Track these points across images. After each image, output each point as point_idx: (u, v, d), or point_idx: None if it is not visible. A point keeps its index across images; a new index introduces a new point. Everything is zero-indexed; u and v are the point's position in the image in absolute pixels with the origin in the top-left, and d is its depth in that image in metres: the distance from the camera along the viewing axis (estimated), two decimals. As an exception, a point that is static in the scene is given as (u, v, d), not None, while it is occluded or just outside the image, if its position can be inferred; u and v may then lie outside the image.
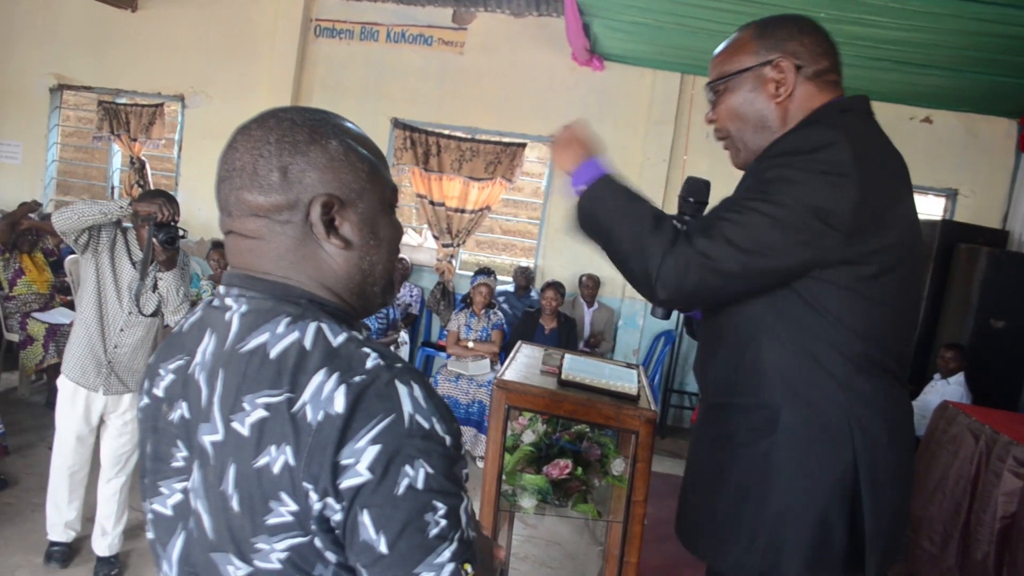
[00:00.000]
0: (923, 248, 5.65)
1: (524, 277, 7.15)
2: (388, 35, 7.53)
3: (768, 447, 1.48)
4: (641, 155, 7.11)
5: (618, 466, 2.51)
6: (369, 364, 0.87)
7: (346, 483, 0.82)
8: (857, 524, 1.47)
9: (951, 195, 7.01)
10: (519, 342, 3.08)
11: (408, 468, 0.83)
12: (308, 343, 0.88)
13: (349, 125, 1.00)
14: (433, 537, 0.83)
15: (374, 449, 0.82)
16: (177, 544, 0.96)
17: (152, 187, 8.06)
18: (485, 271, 6.63)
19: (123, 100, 8.12)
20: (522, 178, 7.64)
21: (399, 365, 0.89)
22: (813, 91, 1.54)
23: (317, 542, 0.85)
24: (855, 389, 1.47)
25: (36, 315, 5.50)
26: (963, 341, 5.71)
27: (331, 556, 0.86)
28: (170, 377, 0.98)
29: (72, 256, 6.62)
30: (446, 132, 7.44)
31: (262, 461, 0.84)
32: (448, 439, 0.87)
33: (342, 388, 0.84)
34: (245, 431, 0.86)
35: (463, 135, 7.45)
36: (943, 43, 4.92)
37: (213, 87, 7.89)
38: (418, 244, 8.13)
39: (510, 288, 7.22)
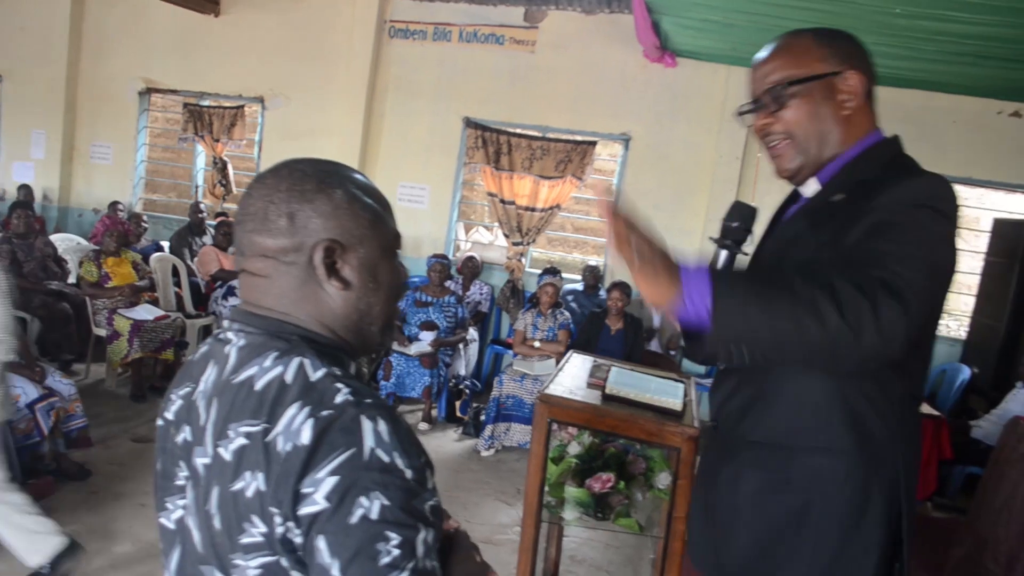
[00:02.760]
0: (1009, 249, 5.39)
1: (593, 276, 7.12)
2: (460, 35, 7.59)
3: (834, 494, 1.48)
4: (714, 153, 7.01)
5: (663, 479, 2.50)
6: (339, 399, 0.93)
7: (304, 510, 0.88)
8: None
9: (1042, 193, 6.71)
10: (570, 352, 3.09)
11: (363, 499, 0.87)
12: (289, 377, 0.95)
13: (357, 176, 1.07)
14: (384, 565, 0.87)
15: (332, 480, 0.88)
16: (175, 556, 1.05)
17: (234, 186, 8.34)
18: (551, 271, 6.64)
19: (206, 102, 8.43)
20: (593, 176, 7.61)
21: (368, 400, 0.94)
22: (867, 110, 1.52)
23: (283, 562, 0.92)
24: (904, 428, 1.48)
25: (122, 311, 5.76)
26: (1050, 348, 5.46)
27: (297, 575, 0.93)
28: (179, 403, 1.07)
29: (157, 254, 6.92)
30: (517, 131, 7.47)
31: (238, 485, 0.92)
32: (409, 473, 0.91)
33: (310, 422, 0.90)
34: (228, 456, 0.94)
35: (534, 134, 7.47)
36: (1030, 37, 4.70)
37: (291, 89, 8.11)
38: (489, 242, 8.20)
39: (579, 287, 7.22)
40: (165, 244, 7.66)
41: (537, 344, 6.00)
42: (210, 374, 1.03)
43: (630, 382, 2.49)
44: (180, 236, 7.53)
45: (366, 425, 0.91)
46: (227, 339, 1.04)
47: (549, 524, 2.81)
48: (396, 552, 0.88)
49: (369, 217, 1.04)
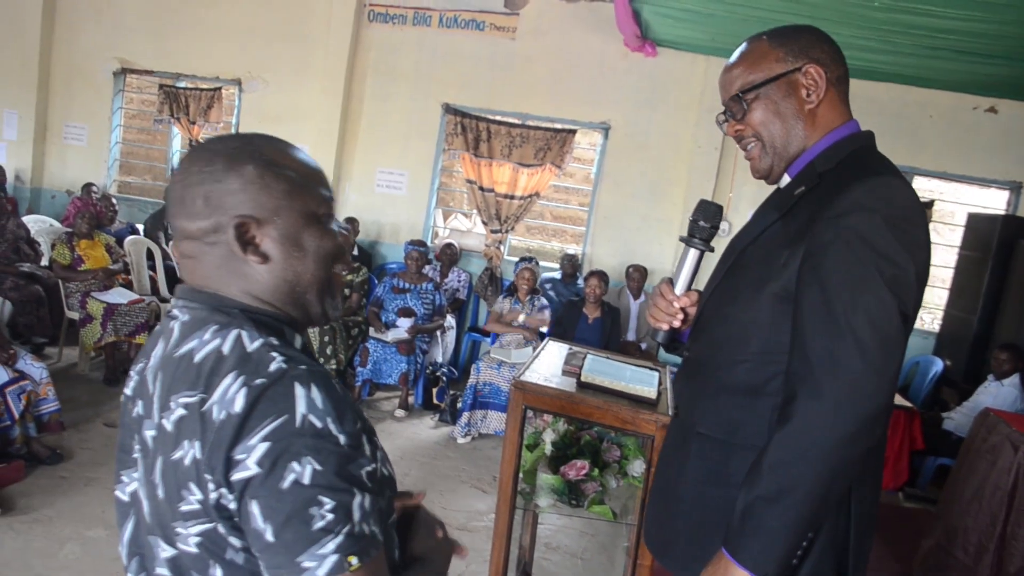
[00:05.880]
0: (982, 243, 5.44)
1: (571, 264, 7.13)
2: (440, 20, 7.54)
3: None
4: (692, 143, 7.03)
5: (637, 467, 2.51)
6: (272, 367, 0.95)
7: (237, 475, 0.90)
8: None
9: (1015, 188, 6.77)
10: (547, 339, 3.09)
11: (295, 464, 0.89)
12: (226, 349, 0.97)
13: (275, 147, 1.08)
14: (317, 529, 0.89)
15: (264, 446, 0.90)
16: (128, 527, 1.07)
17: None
18: (527, 259, 6.65)
19: (183, 84, 8.32)
20: (573, 164, 7.61)
21: (302, 367, 0.96)
22: (835, 98, 1.54)
23: (220, 528, 0.94)
24: None
25: (95, 295, 5.70)
26: (1021, 341, 5.53)
27: (235, 541, 0.94)
28: (136, 379, 1.10)
29: (132, 237, 6.85)
30: (497, 118, 7.45)
31: (177, 454, 0.95)
32: (343, 438, 0.93)
33: (244, 390, 0.92)
34: (170, 427, 0.97)
35: (514, 121, 7.45)
36: (1007, 33, 4.74)
37: (269, 72, 8.02)
38: (467, 229, 8.18)
39: (557, 275, 7.22)
40: (140, 227, 7.58)
41: (522, 318, 6.00)
42: (158, 349, 1.05)
43: (605, 370, 2.49)
44: (155, 219, 7.45)
45: (299, 391, 0.92)
46: (173, 315, 1.07)
47: (524, 511, 2.82)
48: (330, 516, 0.89)
49: (284, 187, 1.05)
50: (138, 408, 1.05)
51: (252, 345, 0.97)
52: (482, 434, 5.60)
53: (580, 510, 2.44)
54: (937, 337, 6.92)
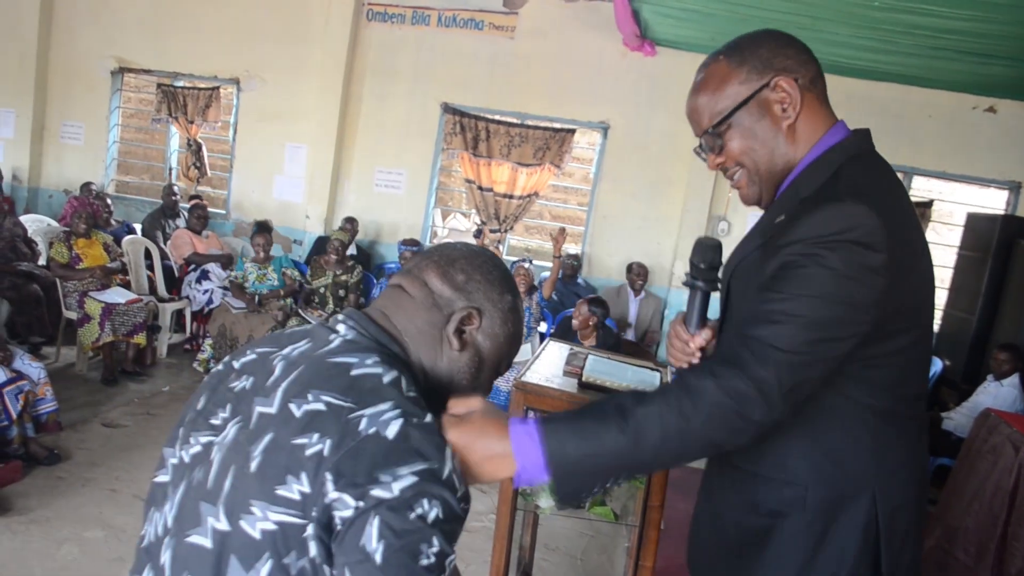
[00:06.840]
0: (982, 243, 5.41)
1: (571, 265, 7.12)
2: (439, 19, 7.55)
3: (795, 523, 1.44)
4: (692, 143, 6.97)
5: (639, 468, 2.50)
6: (428, 419, 1.04)
7: (376, 492, 0.95)
8: None
9: (1014, 188, 6.78)
10: (547, 340, 3.08)
11: (426, 503, 0.96)
12: (386, 380, 1.06)
13: (522, 312, 1.27)
14: (421, 567, 0.95)
15: (411, 479, 0.96)
16: (182, 487, 1.10)
17: (208, 169, 8.24)
18: (522, 259, 6.64)
19: (181, 83, 8.31)
20: (571, 164, 7.61)
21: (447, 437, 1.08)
22: (814, 103, 1.44)
23: (310, 529, 0.96)
24: (880, 450, 1.43)
25: (93, 294, 5.68)
26: (1021, 342, 5.52)
27: (312, 548, 0.97)
28: (252, 357, 1.17)
29: (129, 236, 6.83)
30: (496, 117, 7.45)
31: (301, 440, 0.99)
32: (464, 507, 1.02)
33: (400, 421, 1.00)
34: (298, 413, 1.01)
35: (512, 120, 7.45)
36: (1007, 33, 4.74)
37: (267, 71, 8.01)
38: (466, 229, 8.16)
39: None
40: (137, 227, 7.55)
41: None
42: (302, 346, 1.13)
43: (607, 370, 2.47)
44: (153, 219, 7.43)
45: (448, 452, 1.03)
46: (335, 328, 1.15)
47: (524, 512, 2.80)
48: (434, 560, 0.96)
49: (510, 335, 1.23)
50: (244, 382, 1.12)
51: (409, 392, 1.07)
52: (481, 434, 5.57)
53: (581, 511, 2.44)
54: (936, 337, 6.91)
